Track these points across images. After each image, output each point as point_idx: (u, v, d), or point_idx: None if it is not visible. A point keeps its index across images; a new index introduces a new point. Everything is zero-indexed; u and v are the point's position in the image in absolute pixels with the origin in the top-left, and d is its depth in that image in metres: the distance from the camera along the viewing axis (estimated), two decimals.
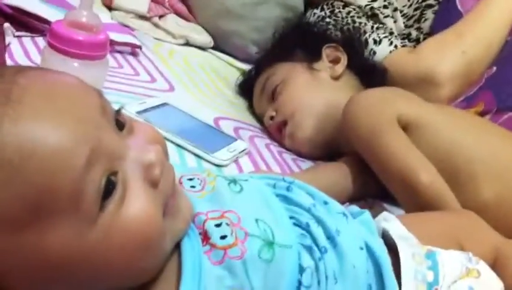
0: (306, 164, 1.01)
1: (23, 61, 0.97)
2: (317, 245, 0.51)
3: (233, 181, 0.54)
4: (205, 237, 0.47)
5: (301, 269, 0.49)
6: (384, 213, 0.68)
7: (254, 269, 0.46)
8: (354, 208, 0.64)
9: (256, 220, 0.49)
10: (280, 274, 0.47)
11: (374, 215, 0.91)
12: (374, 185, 0.91)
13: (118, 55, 1.19)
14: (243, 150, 0.94)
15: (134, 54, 1.22)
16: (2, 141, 0.37)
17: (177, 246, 0.47)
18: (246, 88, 1.21)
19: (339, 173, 0.92)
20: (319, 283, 0.50)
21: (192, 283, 0.44)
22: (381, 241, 0.59)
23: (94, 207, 0.39)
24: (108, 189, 0.40)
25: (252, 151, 0.97)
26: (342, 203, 0.91)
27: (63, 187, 0.38)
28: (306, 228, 0.52)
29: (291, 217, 0.53)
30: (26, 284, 0.40)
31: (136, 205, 0.41)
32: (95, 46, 0.85)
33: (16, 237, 0.38)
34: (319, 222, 0.53)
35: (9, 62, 0.96)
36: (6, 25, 1.05)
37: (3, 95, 0.39)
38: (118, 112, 0.46)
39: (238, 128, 1.06)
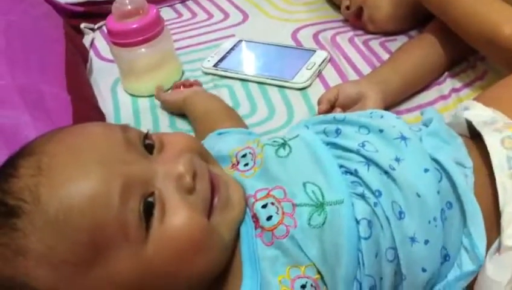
0: (396, 44, 0.96)
1: (109, 55, 1.04)
2: (370, 190, 0.51)
3: (282, 145, 0.55)
4: (256, 219, 0.50)
5: (356, 222, 0.49)
6: (465, 101, 0.64)
7: (306, 239, 0.48)
8: (427, 113, 0.61)
9: (304, 184, 0.51)
10: (337, 233, 0.48)
11: (478, 76, 0.87)
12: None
13: (191, 3, 1.22)
14: (324, 60, 0.94)
15: None
16: (44, 204, 0.43)
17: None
18: None
19: (426, 47, 0.87)
20: (382, 227, 0.50)
21: (250, 265, 0.49)
22: (456, 148, 0.57)
23: (141, 230, 0.45)
24: (149, 210, 0.45)
25: (334, 56, 0.96)
26: (441, 74, 0.88)
27: (108, 225, 0.43)
28: (356, 174, 0.52)
29: (341, 166, 0.53)
30: None
31: (176, 214, 0.46)
32: (150, 26, 0.90)
33: (88, 275, 0.44)
34: (370, 161, 0.52)
35: (96, 60, 1.06)
36: (83, 25, 1.13)
37: (36, 166, 0.45)
38: (146, 136, 0.51)
39: (318, 33, 1.04)
